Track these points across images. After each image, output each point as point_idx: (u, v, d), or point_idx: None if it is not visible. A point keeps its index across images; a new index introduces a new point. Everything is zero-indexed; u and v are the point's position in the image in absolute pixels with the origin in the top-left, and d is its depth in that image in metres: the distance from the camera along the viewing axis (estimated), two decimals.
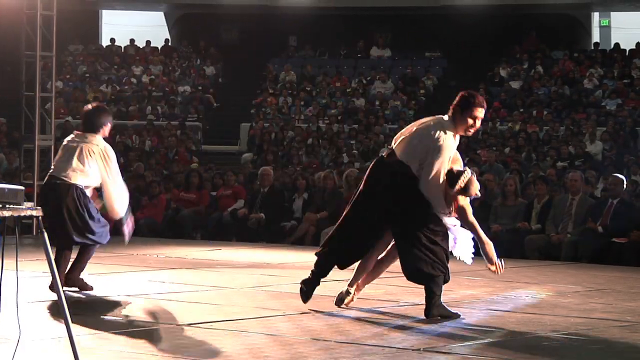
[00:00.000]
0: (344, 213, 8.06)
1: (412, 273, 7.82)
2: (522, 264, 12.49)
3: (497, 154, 21.26)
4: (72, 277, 9.06)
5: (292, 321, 7.54)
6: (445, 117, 7.90)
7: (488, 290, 9.58)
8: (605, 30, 33.29)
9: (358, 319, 7.63)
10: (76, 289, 9.04)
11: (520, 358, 6.31)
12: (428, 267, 7.71)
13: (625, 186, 13.63)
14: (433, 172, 7.68)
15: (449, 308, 7.82)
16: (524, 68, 28.83)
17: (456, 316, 7.78)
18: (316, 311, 7.94)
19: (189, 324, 7.32)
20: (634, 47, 29.27)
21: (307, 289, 8.03)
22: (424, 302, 8.58)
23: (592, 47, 30.87)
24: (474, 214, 13.75)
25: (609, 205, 13.34)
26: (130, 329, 7.16)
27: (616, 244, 13.00)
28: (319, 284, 8.05)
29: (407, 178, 7.74)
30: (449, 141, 7.79)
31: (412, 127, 7.97)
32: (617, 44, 30.32)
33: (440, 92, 29.34)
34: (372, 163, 8.11)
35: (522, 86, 27.83)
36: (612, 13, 33.14)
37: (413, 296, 8.89)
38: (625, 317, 8.03)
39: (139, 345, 6.48)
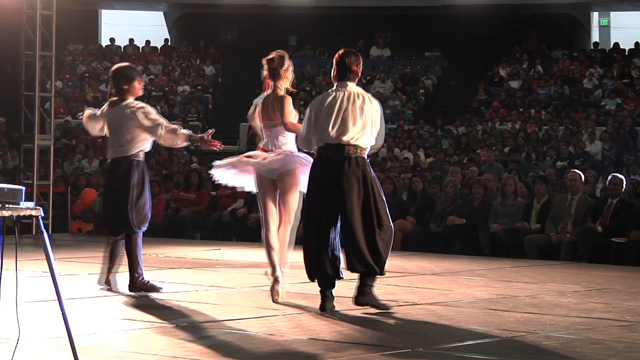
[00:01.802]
0: None
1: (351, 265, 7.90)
2: (522, 264, 12.49)
3: (497, 154, 21.26)
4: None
5: (292, 321, 7.53)
6: None
7: (488, 290, 9.58)
8: (605, 30, 33.31)
9: (358, 319, 7.63)
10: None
11: (520, 358, 6.31)
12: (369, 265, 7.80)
13: (625, 186, 13.63)
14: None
15: (403, 301, 8.00)
16: (524, 68, 28.84)
17: (384, 307, 7.88)
18: (316, 311, 7.94)
19: (189, 324, 7.31)
20: (633, 47, 29.30)
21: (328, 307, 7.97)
22: (423, 302, 8.59)
23: (592, 47, 30.90)
24: (473, 214, 13.90)
25: (609, 205, 13.33)
26: (130, 329, 7.16)
27: (616, 244, 12.99)
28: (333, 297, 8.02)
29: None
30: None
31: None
32: (616, 44, 30.34)
33: (440, 91, 29.38)
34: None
35: (522, 86, 27.83)
36: (611, 13, 33.17)
37: (413, 296, 8.89)
38: (625, 316, 8.03)
39: (138, 345, 6.48)
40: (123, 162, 8.98)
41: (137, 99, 9.13)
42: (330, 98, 7.97)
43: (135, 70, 9.29)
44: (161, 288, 9.09)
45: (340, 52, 8.12)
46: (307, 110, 8.13)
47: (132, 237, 9.02)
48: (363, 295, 7.90)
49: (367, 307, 7.88)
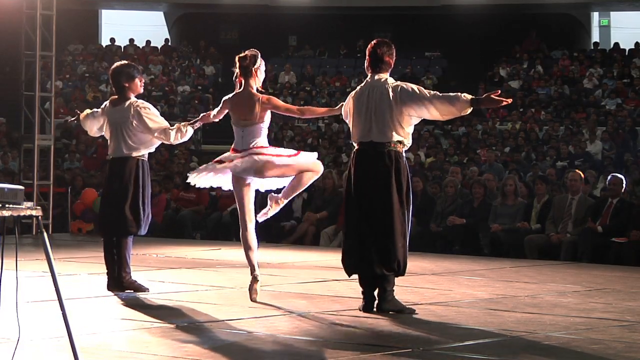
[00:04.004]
0: None
1: (365, 270, 7.88)
2: (522, 264, 12.49)
3: (497, 154, 21.26)
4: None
5: (292, 321, 7.54)
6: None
7: (488, 290, 9.58)
8: (605, 30, 33.33)
9: (358, 319, 7.63)
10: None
11: (520, 358, 6.31)
12: (380, 267, 7.77)
13: (624, 186, 13.63)
14: None
15: (402, 302, 7.93)
16: (524, 68, 28.84)
17: (410, 310, 7.85)
18: (316, 311, 7.94)
19: (189, 324, 7.32)
20: (633, 47, 29.30)
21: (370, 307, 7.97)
22: (423, 302, 8.59)
23: (592, 47, 30.91)
24: (473, 214, 13.83)
25: (609, 205, 13.33)
26: (130, 329, 7.16)
27: (616, 244, 13.00)
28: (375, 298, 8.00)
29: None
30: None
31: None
32: (616, 44, 30.35)
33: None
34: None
35: (522, 86, 27.83)
36: (611, 13, 33.19)
37: (413, 296, 8.89)
38: (625, 316, 8.03)
39: (138, 345, 6.48)
40: (127, 162, 8.95)
41: (136, 97, 9.12)
42: (361, 94, 7.99)
43: (136, 68, 9.24)
44: (148, 289, 9.05)
45: (373, 42, 8.10)
46: (348, 98, 8.15)
47: (124, 239, 8.98)
48: (386, 301, 7.84)
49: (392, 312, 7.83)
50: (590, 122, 23.91)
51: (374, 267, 7.77)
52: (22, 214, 5.41)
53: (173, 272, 10.92)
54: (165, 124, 8.99)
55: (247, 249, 8.59)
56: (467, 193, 15.08)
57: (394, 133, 7.84)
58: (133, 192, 8.90)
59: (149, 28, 33.61)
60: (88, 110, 9.43)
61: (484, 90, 27.41)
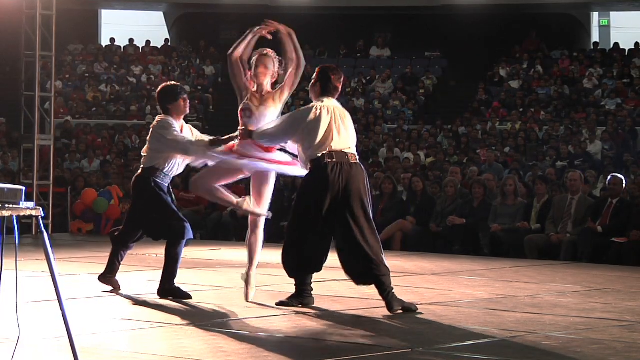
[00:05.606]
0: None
1: (359, 276, 7.97)
2: (522, 264, 12.50)
3: (497, 154, 21.26)
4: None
5: (292, 321, 7.54)
6: None
7: (488, 290, 9.59)
8: (605, 30, 33.33)
9: (358, 319, 7.63)
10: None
11: (520, 358, 6.32)
12: (378, 269, 7.85)
13: (624, 186, 13.63)
14: None
15: (405, 301, 7.98)
16: (524, 68, 28.83)
17: (415, 307, 7.94)
18: (316, 311, 7.94)
19: (189, 324, 7.32)
20: (633, 47, 29.29)
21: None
22: (423, 302, 8.59)
23: (592, 47, 30.89)
24: (473, 214, 13.88)
25: (609, 205, 13.34)
26: (130, 329, 7.16)
27: (616, 244, 13.00)
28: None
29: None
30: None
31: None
32: (616, 44, 30.34)
33: (440, 91, 29.37)
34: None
35: (522, 86, 27.83)
36: (611, 13, 33.18)
37: (413, 296, 8.89)
38: (625, 316, 8.03)
39: (139, 345, 6.48)
40: (145, 173, 9.09)
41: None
42: (324, 111, 8.17)
43: (180, 88, 9.27)
44: (191, 297, 8.92)
45: (323, 67, 8.49)
46: (288, 117, 8.44)
47: (178, 243, 8.96)
48: (395, 300, 7.89)
49: (399, 311, 7.85)
50: (590, 122, 23.91)
51: (371, 270, 7.84)
52: (22, 214, 5.41)
53: None
54: (179, 138, 8.99)
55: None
56: (467, 193, 15.08)
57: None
58: (162, 201, 8.99)
59: (149, 28, 33.61)
60: None
61: (483, 90, 27.46)
